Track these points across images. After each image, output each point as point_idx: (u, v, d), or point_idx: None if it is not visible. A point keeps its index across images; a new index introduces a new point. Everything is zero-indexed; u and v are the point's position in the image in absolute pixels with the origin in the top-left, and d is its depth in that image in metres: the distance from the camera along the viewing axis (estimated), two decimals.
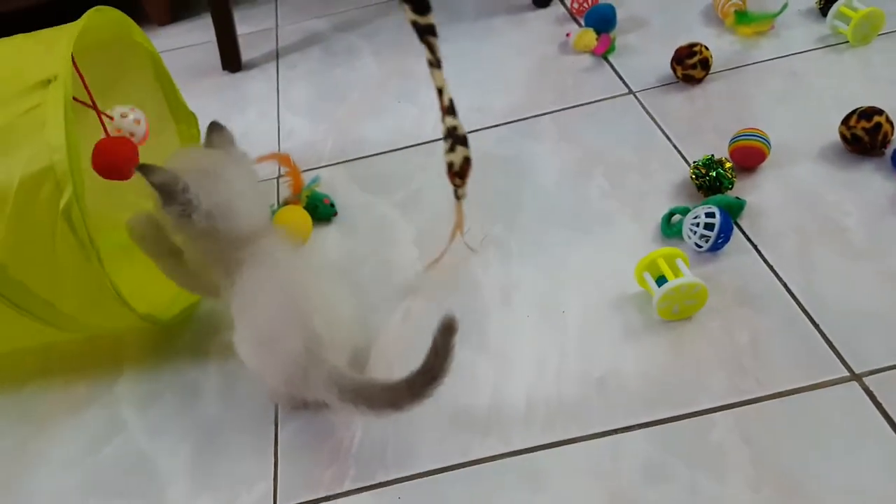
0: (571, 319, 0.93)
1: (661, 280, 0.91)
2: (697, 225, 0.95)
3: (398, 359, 0.91)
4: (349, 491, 0.81)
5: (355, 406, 0.77)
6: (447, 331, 0.74)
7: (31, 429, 0.94)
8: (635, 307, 0.92)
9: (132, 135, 0.96)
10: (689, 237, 0.96)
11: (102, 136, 0.93)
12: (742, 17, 1.33)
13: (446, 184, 1.16)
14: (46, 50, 0.84)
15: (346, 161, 1.26)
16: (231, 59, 1.54)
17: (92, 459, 0.89)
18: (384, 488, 0.80)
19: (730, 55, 1.29)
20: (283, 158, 1.16)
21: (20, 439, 0.93)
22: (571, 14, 1.50)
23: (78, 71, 0.91)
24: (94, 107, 0.93)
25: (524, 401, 0.85)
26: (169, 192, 0.81)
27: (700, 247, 0.96)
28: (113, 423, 0.93)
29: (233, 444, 0.88)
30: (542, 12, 1.53)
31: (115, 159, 0.91)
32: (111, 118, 0.95)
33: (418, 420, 0.84)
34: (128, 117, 0.96)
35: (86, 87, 0.92)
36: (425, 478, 0.80)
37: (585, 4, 1.45)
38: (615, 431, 0.80)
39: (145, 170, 0.80)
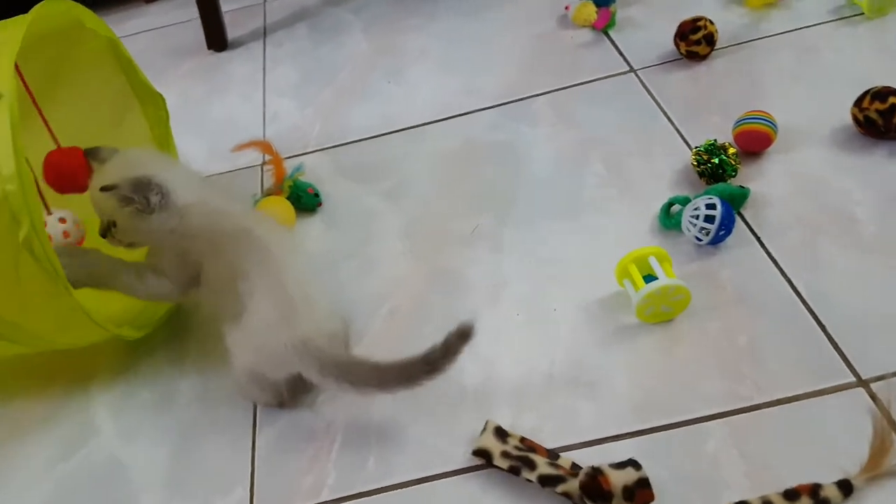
0: (562, 318, 0.88)
1: (648, 278, 0.86)
2: (697, 217, 0.89)
3: (383, 357, 0.87)
4: (327, 501, 0.77)
5: (336, 382, 0.76)
6: (463, 335, 0.75)
7: (5, 430, 0.91)
8: (627, 306, 0.87)
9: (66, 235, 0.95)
10: (689, 230, 0.91)
11: (51, 145, 0.91)
12: None
13: (433, 172, 1.12)
14: None
15: (332, 147, 1.21)
16: (216, 38, 1.49)
17: (64, 466, 0.86)
18: (364, 499, 0.77)
19: (737, 29, 1.22)
20: (263, 146, 1.11)
21: None
22: None
23: (22, 77, 0.87)
24: (41, 115, 0.90)
25: (512, 406, 0.81)
26: (141, 189, 0.80)
27: (700, 240, 0.90)
28: (87, 426, 0.90)
29: (209, 449, 0.84)
30: None
31: (67, 171, 0.90)
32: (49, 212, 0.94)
33: (401, 426, 0.81)
34: (67, 221, 0.95)
35: (30, 94, 0.87)
36: (407, 488, 0.77)
37: None
38: (604, 440, 0.76)
39: (110, 187, 0.80)
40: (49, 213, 0.95)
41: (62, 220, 0.94)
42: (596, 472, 0.69)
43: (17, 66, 0.80)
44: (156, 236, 0.84)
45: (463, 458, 0.77)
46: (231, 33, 1.52)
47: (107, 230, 0.84)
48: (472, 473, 0.76)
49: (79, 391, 0.94)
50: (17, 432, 0.91)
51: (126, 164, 0.84)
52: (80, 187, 0.91)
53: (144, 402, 0.91)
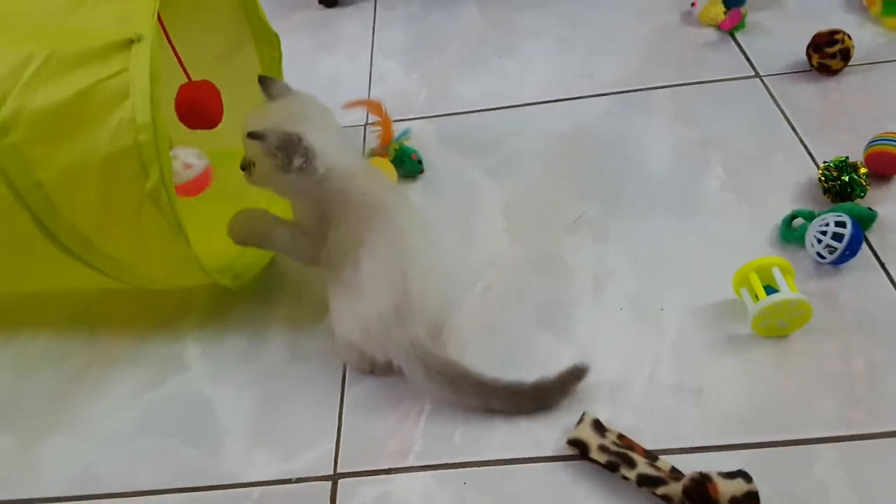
0: (669, 319, 0.85)
1: (768, 290, 0.82)
2: (825, 233, 0.85)
3: (473, 336, 0.86)
4: (412, 467, 0.76)
5: (437, 385, 0.76)
6: (577, 374, 0.77)
7: (94, 353, 0.92)
8: (741, 315, 0.83)
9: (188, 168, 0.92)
10: (813, 245, 0.87)
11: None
12: (891, 6, 1.19)
13: (540, 153, 1.09)
14: None
15: (437, 116, 1.19)
16: None
17: (150, 396, 0.87)
18: (449, 470, 0.75)
19: (872, 48, 1.16)
20: (374, 106, 1.09)
21: (83, 363, 0.91)
22: None
23: (162, 25, 0.85)
24: (179, 60, 0.88)
25: (609, 403, 0.78)
26: (287, 148, 0.77)
27: (823, 257, 0.86)
28: (176, 360, 0.90)
29: (296, 399, 0.84)
30: None
31: (200, 106, 0.88)
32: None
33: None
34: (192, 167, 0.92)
35: (170, 41, 0.86)
36: (494, 467, 0.75)
37: None
38: (707, 449, 0.73)
39: (258, 135, 0.78)
40: (171, 147, 0.91)
41: (187, 166, 0.92)
42: (703, 479, 0.67)
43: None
44: (290, 192, 0.83)
45: (555, 446, 0.75)
46: None
47: (247, 166, 0.83)
48: (563, 463, 0.74)
49: (169, 327, 0.94)
50: (106, 359, 0.92)
51: (287, 112, 0.82)
52: (212, 123, 0.90)
53: (235, 346, 0.91)
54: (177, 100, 0.88)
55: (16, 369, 0.92)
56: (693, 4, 1.28)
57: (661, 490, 0.69)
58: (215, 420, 0.83)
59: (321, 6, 1.48)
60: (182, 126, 0.91)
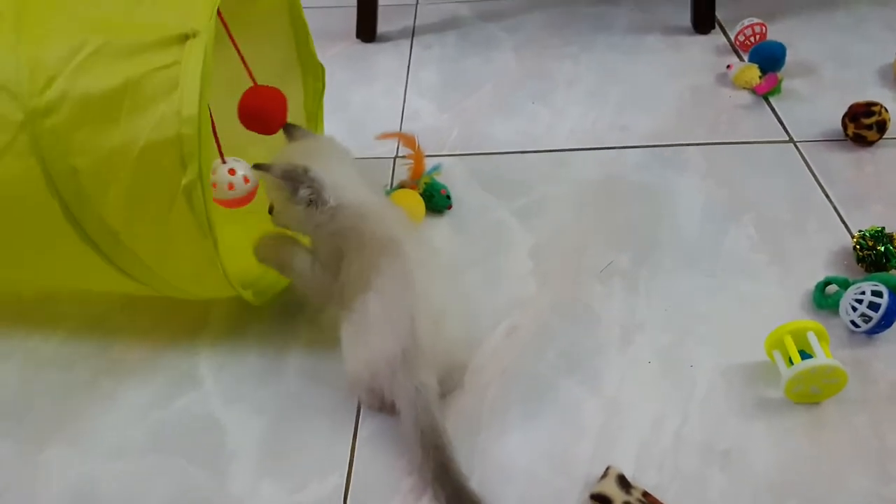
0: (699, 377, 0.83)
1: (803, 354, 0.80)
2: (860, 302, 0.83)
3: (494, 378, 0.84)
4: None
5: (413, 440, 0.73)
6: None
7: (105, 365, 0.90)
8: (772, 378, 0.81)
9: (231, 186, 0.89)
10: (848, 313, 0.85)
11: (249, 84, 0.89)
12: None
13: (570, 200, 1.08)
14: None
15: (468, 154, 1.19)
16: (367, 28, 1.49)
17: (160, 412, 0.84)
18: None
19: None
20: (408, 139, 1.09)
21: (92, 373, 0.89)
22: (733, 46, 1.39)
23: (224, 24, 0.86)
24: (244, 64, 0.88)
25: (633, 458, 0.75)
26: (292, 178, 0.80)
27: (857, 326, 0.84)
28: (188, 377, 0.87)
29: (309, 429, 0.81)
30: (700, 38, 1.43)
31: (265, 111, 0.89)
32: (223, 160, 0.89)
33: (510, 452, 0.77)
34: (236, 174, 0.88)
35: (234, 44, 0.87)
36: None
37: (752, 39, 1.34)
38: None
39: (263, 167, 0.80)
40: (223, 161, 0.89)
41: (231, 171, 0.88)
42: None
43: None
44: (305, 227, 0.83)
45: (577, 500, 0.72)
46: (381, 27, 1.53)
47: (271, 208, 0.85)
48: None
49: (185, 341, 0.92)
50: (117, 370, 0.89)
51: (301, 150, 0.84)
52: (273, 129, 0.90)
53: (250, 367, 0.88)
54: (245, 101, 0.89)
55: (24, 370, 0.90)
56: (729, 67, 1.29)
57: None
58: (224, 442, 0.80)
59: (359, 40, 1.50)
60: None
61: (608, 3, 1.58)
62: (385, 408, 0.80)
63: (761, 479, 0.73)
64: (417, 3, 1.67)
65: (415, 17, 1.60)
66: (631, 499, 0.70)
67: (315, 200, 0.81)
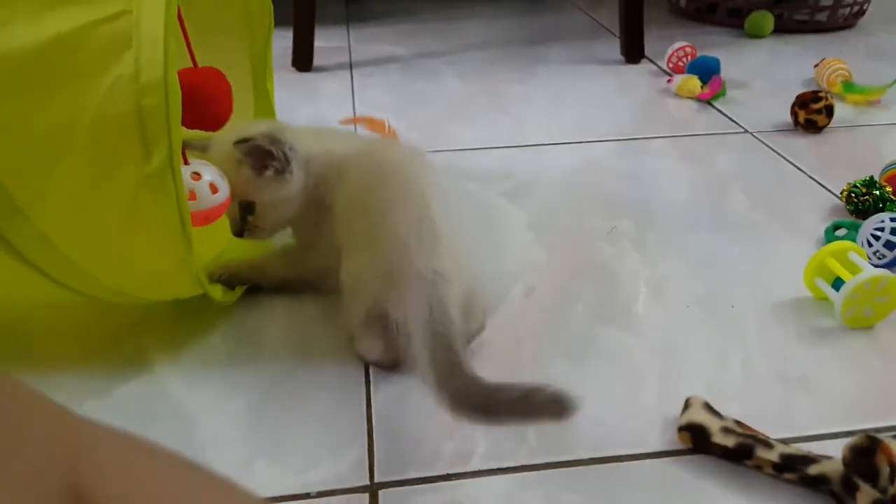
0: (744, 316, 0.75)
1: (837, 283, 0.75)
2: (882, 230, 0.81)
3: (526, 335, 0.72)
4: (480, 471, 0.57)
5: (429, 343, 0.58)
6: (558, 411, 0.53)
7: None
8: (819, 309, 0.75)
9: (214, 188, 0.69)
10: (868, 245, 0.82)
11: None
12: (850, 86, 1.29)
13: (556, 181, 1.03)
14: None
15: (439, 151, 1.11)
16: (303, 56, 1.42)
17: (97, 401, 0.64)
18: (530, 473, 0.58)
19: (847, 116, 1.22)
20: (376, 124, 1.00)
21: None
22: (666, 71, 1.45)
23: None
24: (185, 34, 0.67)
25: (706, 395, 0.64)
26: (260, 152, 0.68)
27: (881, 257, 0.81)
28: (133, 360, 0.69)
29: (306, 406, 0.64)
30: (634, 66, 1.48)
31: (204, 95, 0.68)
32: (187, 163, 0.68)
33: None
34: (201, 179, 0.67)
35: (180, 17, 0.67)
36: (590, 466, 0.58)
37: (684, 60, 1.40)
38: (835, 436, 0.60)
39: (244, 141, 0.68)
40: (186, 162, 0.67)
41: (196, 176, 0.66)
42: (872, 443, 0.53)
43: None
44: (296, 202, 0.72)
45: (658, 441, 0.60)
46: (316, 61, 1.46)
47: (243, 222, 0.71)
48: (673, 458, 0.59)
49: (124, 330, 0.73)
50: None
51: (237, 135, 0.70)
52: (216, 124, 0.71)
53: (213, 347, 0.71)
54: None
55: None
56: (669, 80, 1.33)
57: (813, 469, 0.55)
58: (193, 430, 0.62)
59: (294, 69, 1.43)
60: None
61: (539, 45, 1.63)
62: (401, 356, 0.64)
63: (848, 399, 0.64)
64: (350, 45, 1.64)
65: (350, 55, 1.56)
66: (728, 424, 0.59)
67: (292, 153, 0.70)
